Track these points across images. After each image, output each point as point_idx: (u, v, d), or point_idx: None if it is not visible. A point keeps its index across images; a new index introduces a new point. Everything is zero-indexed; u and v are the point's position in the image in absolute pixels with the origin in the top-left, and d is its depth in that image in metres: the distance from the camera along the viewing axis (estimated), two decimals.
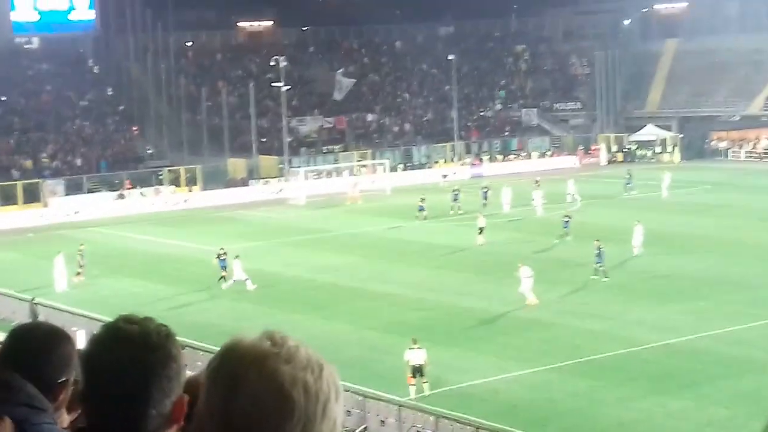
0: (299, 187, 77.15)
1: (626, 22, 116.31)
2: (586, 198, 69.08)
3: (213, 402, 2.16)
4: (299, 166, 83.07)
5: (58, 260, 47.15)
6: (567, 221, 54.25)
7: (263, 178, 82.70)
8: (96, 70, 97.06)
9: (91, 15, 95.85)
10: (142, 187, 78.34)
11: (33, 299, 41.43)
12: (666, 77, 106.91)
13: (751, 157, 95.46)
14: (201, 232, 62.58)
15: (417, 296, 43.24)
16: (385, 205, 71.98)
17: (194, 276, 48.87)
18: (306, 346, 2.20)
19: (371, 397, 30.36)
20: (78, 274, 48.47)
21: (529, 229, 58.61)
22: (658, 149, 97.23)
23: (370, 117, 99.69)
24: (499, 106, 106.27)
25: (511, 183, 70.60)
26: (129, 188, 77.80)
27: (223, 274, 46.12)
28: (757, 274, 45.11)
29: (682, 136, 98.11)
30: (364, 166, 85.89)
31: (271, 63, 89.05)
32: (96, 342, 2.73)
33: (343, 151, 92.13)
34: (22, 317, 37.33)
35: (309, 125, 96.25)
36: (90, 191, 76.88)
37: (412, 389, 30.99)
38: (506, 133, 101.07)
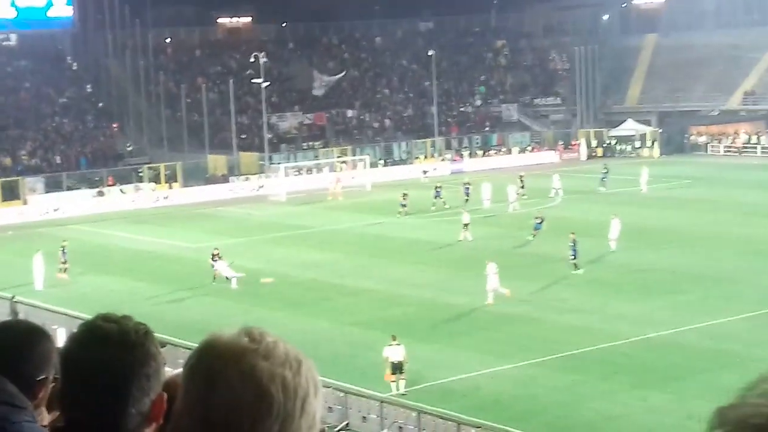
0: (279, 184, 77.06)
1: (605, 17, 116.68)
2: (566, 193, 69.21)
3: (191, 399, 2.14)
4: (279, 163, 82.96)
5: (37, 258, 46.98)
6: (539, 223, 53.19)
7: (243, 175, 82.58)
8: (75, 67, 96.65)
9: (69, 12, 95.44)
10: (121, 184, 78.11)
11: (13, 297, 41.26)
12: (645, 72, 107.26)
13: (730, 151, 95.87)
14: (181, 229, 62.46)
15: (398, 292, 43.26)
16: (365, 201, 71.99)
17: (174, 273, 48.78)
18: (284, 341, 2.18)
19: (353, 393, 30.39)
20: (62, 270, 48.41)
21: (509, 224, 58.69)
22: (637, 144, 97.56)
23: (350, 113, 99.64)
24: (479, 102, 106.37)
25: (492, 178, 70.64)
26: (111, 185, 77.55)
27: (216, 274, 46.16)
28: (736, 268, 45.31)
29: (661, 131, 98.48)
30: (344, 162, 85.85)
31: (251, 59, 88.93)
32: (75, 340, 2.71)
33: (323, 147, 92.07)
34: (2, 315, 37.15)
35: (289, 121, 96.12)
36: (69, 189, 76.60)
37: (393, 385, 31.00)
38: (486, 129, 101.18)
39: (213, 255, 46.72)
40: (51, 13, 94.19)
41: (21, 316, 36.22)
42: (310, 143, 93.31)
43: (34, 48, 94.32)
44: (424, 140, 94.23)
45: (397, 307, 40.69)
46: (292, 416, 2.08)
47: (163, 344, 2.75)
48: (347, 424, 29.80)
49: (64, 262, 48.63)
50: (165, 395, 2.63)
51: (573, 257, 45.67)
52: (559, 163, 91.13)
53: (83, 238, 59.77)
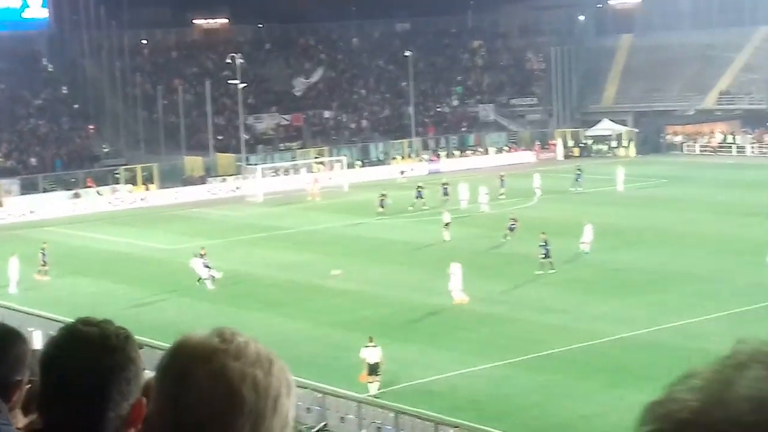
0: (256, 185, 76.94)
1: (581, 17, 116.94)
2: (543, 193, 69.40)
3: (162, 400, 2.15)
4: (256, 164, 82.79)
5: (13, 261, 46.76)
6: (513, 225, 52.98)
7: (220, 176, 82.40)
8: (50, 68, 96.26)
9: (44, 13, 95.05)
10: (98, 185, 77.79)
11: None
12: (621, 72, 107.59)
13: (705, 151, 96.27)
14: (158, 230, 62.26)
15: (376, 293, 43.27)
16: (342, 201, 71.94)
17: (152, 275, 48.61)
18: (256, 341, 2.17)
19: (331, 394, 30.39)
20: (42, 273, 48.36)
21: (486, 224, 58.76)
22: (614, 144, 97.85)
23: (327, 114, 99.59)
24: (455, 102, 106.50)
25: (469, 179, 70.72)
26: (90, 186, 77.23)
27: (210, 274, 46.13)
28: (712, 267, 45.54)
29: (637, 130, 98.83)
30: (321, 163, 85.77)
31: (227, 60, 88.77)
32: (54, 344, 2.72)
33: (301, 148, 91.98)
34: None
35: (266, 122, 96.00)
36: (45, 191, 76.26)
37: (371, 386, 31.02)
38: (463, 129, 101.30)
39: (200, 254, 46.72)
40: (26, 15, 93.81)
41: None
42: (287, 144, 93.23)
43: (9, 49, 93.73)
44: (401, 141, 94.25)
45: (374, 308, 40.69)
46: (264, 416, 2.08)
47: (141, 346, 2.78)
48: (325, 424, 29.81)
49: (44, 264, 48.51)
50: (144, 400, 2.64)
51: (544, 257, 45.74)
52: (535, 163, 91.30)
53: (59, 240, 59.48)
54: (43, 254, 48.80)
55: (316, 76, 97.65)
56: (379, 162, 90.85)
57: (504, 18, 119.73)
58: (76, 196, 75.39)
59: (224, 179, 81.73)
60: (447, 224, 54.40)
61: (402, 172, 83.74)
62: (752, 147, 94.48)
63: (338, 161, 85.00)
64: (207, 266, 46.12)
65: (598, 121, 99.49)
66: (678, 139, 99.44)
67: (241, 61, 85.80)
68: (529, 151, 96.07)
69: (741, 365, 1.46)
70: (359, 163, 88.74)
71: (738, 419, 1.41)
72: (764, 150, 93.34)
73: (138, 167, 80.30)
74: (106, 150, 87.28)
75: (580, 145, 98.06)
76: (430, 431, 27.64)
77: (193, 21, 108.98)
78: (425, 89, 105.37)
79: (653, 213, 60.92)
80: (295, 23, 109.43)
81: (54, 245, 51.98)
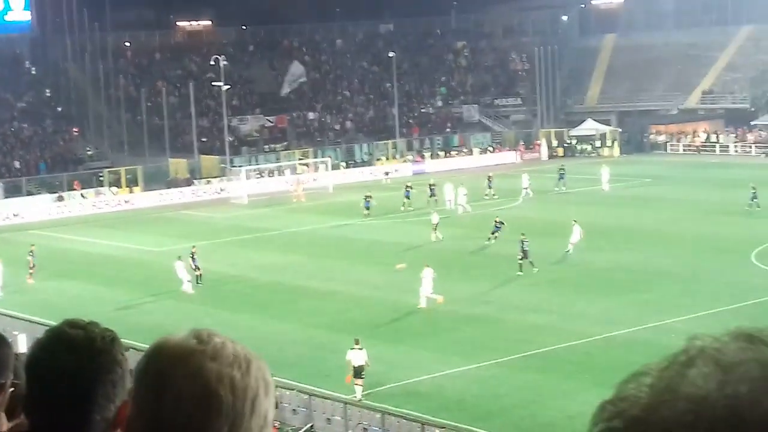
0: (241, 187, 76.87)
1: (565, 18, 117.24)
2: (521, 193, 69.57)
3: (141, 402, 2.13)
4: (241, 166, 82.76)
5: None
6: (499, 227, 52.28)
7: (205, 178, 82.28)
8: (33, 71, 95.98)
9: (27, 16, 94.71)
10: (82, 188, 77.60)
11: None
12: (605, 72, 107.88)
13: (689, 150, 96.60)
14: (143, 233, 62.12)
15: (362, 294, 43.27)
16: (327, 203, 71.91)
17: (137, 277, 48.52)
18: (234, 342, 2.14)
19: (317, 396, 30.38)
20: (31, 275, 48.29)
21: (470, 225, 58.81)
22: (597, 144, 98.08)
23: (311, 115, 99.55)
24: (440, 103, 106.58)
25: (454, 179, 70.71)
26: (77, 189, 77.05)
27: (197, 273, 46.07)
28: (696, 266, 45.69)
29: (621, 130, 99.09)
30: (306, 164, 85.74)
31: (211, 62, 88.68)
32: (40, 347, 2.71)
33: (285, 149, 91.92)
34: None
35: (250, 124, 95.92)
36: (29, 193, 76.04)
37: (357, 389, 30.99)
38: (447, 130, 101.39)
39: (191, 253, 46.72)
40: (9, 18, 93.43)
41: None
42: (272, 146, 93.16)
43: None
44: (385, 142, 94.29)
45: (360, 309, 40.70)
46: (242, 417, 2.06)
47: (127, 349, 2.76)
48: (312, 426, 29.79)
49: (32, 266, 48.55)
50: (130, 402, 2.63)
51: (522, 257, 45.74)
52: (520, 163, 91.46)
53: (44, 243, 59.23)
54: (32, 256, 48.82)
55: (296, 71, 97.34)
56: (364, 163, 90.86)
57: (488, 18, 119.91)
58: (60, 199, 75.16)
59: (209, 181, 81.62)
60: (436, 225, 54.43)
61: (387, 174, 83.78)
62: (735, 146, 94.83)
63: (323, 162, 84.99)
64: (196, 266, 46.17)
65: (582, 121, 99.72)
66: (661, 138, 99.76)
67: (225, 62, 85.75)
68: (513, 151, 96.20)
69: (687, 362, 1.47)
70: (344, 164, 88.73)
71: (680, 418, 1.42)
72: (747, 149, 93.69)
73: (122, 170, 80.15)
74: (90, 153, 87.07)
75: (564, 145, 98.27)
76: None
77: (177, 23, 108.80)
78: (409, 90, 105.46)
79: (637, 212, 61.06)
80: (279, 25, 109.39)
81: (39, 248, 51.81)
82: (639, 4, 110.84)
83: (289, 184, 77.61)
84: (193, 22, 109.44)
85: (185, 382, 2.07)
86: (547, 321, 37.78)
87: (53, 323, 2.83)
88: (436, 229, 54.32)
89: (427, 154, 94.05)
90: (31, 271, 48.58)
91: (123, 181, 79.23)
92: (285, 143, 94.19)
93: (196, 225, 64.95)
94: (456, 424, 27.74)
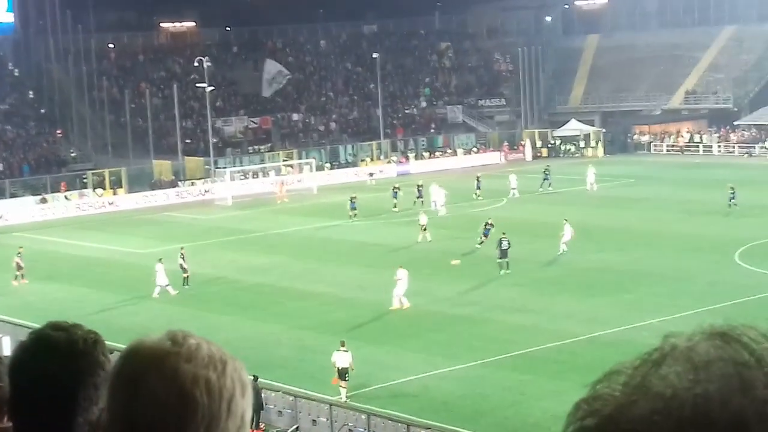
0: (226, 188, 76.77)
1: (548, 18, 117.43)
2: (509, 194, 69.67)
3: (115, 406, 2.11)
4: (225, 167, 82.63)
5: None
6: (489, 229, 51.40)
7: (189, 180, 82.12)
8: (16, 73, 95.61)
9: (9, 17, 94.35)
10: (66, 190, 77.36)
11: None
12: (588, 73, 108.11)
13: (672, 150, 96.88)
14: (127, 235, 61.96)
15: (347, 295, 43.25)
16: (312, 204, 71.85)
17: (122, 279, 48.40)
18: (210, 342, 2.12)
19: (303, 397, 30.37)
20: (20, 277, 48.35)
21: (456, 225, 58.84)
22: (581, 144, 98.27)
23: (295, 116, 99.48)
24: (424, 104, 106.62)
25: (439, 180, 70.70)
26: (64, 190, 76.81)
27: (185, 275, 46.06)
28: (679, 266, 45.81)
29: (605, 130, 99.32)
30: (290, 165, 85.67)
31: (195, 64, 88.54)
32: (23, 349, 2.70)
33: (269, 151, 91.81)
34: None
35: (234, 126, 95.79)
36: (13, 196, 75.78)
37: (343, 391, 30.98)
38: (432, 131, 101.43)
39: (181, 254, 46.68)
40: None
41: None
42: (256, 147, 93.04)
43: None
44: (369, 143, 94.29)
45: (345, 310, 40.68)
46: (218, 418, 2.05)
47: (111, 351, 2.75)
48: (297, 427, 29.78)
49: (21, 268, 48.52)
50: None
51: (500, 257, 45.71)
52: (504, 164, 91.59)
53: (28, 245, 59.01)
54: (21, 258, 48.87)
55: (272, 69, 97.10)
56: (348, 164, 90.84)
57: (471, 19, 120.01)
58: (43, 201, 74.92)
59: (193, 183, 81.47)
60: (424, 226, 54.42)
61: (371, 174, 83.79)
62: (719, 146, 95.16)
63: (307, 164, 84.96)
64: (184, 267, 46.17)
65: (566, 122, 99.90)
66: (645, 138, 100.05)
67: (209, 64, 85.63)
68: (497, 152, 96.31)
69: (659, 361, 1.46)
70: (328, 165, 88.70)
71: (649, 417, 1.41)
72: (730, 149, 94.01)
73: (106, 171, 79.96)
74: (73, 154, 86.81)
75: (549, 145, 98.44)
76: None
77: (160, 24, 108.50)
78: (393, 91, 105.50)
79: (621, 213, 61.22)
80: (263, 26, 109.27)
81: (23, 251, 51.60)
82: (622, 5, 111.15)
83: (273, 185, 77.59)
84: (177, 24, 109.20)
85: (160, 385, 2.05)
86: (532, 321, 37.83)
87: (38, 326, 2.82)
88: (425, 230, 54.30)
89: (411, 155, 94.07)
90: (18, 273, 48.52)
91: (107, 182, 79.03)
92: (269, 144, 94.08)
93: (180, 227, 64.82)
94: (442, 425, 27.74)
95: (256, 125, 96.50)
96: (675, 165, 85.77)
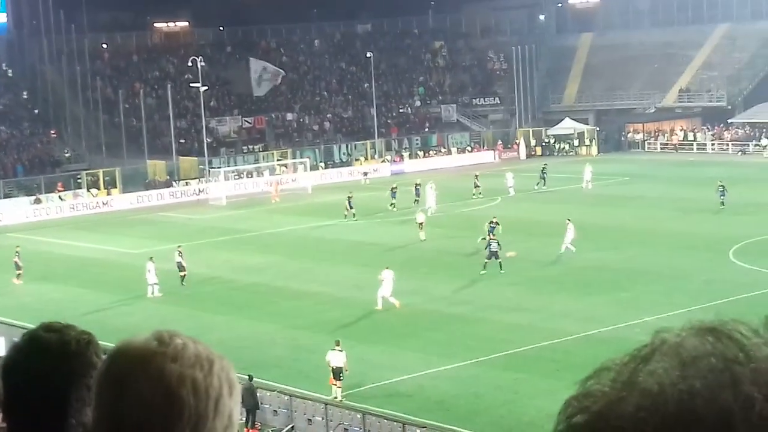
0: (220, 188, 76.73)
1: (542, 17, 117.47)
2: (506, 192, 69.69)
3: (102, 406, 2.10)
4: (219, 167, 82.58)
5: None
6: (493, 227, 50.56)
7: (183, 180, 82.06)
8: (10, 73, 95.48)
9: (2, 18, 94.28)
10: (62, 190, 77.28)
11: None
12: (582, 71, 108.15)
13: (666, 148, 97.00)
14: (121, 235, 61.89)
15: (342, 294, 43.24)
16: (306, 203, 71.83)
17: (116, 279, 48.35)
18: (197, 342, 2.11)
19: (298, 396, 30.36)
20: (18, 276, 48.48)
21: (451, 224, 58.85)
22: (575, 142, 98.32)
23: (289, 116, 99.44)
24: (418, 103, 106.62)
25: (434, 179, 70.68)
26: (61, 190, 76.74)
27: (182, 273, 46.07)
28: (674, 264, 45.85)
29: (598, 129, 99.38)
30: (284, 165, 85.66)
31: (189, 63, 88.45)
32: (16, 350, 2.70)
33: (263, 150, 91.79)
34: None
35: (228, 125, 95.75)
36: (7, 196, 75.70)
37: (338, 390, 30.96)
38: (426, 130, 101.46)
39: (179, 253, 46.66)
40: None
41: None
42: (250, 147, 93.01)
43: None
44: (364, 142, 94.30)
45: (340, 309, 40.67)
46: (205, 418, 2.04)
47: (104, 351, 2.74)
48: (292, 427, 29.77)
49: (20, 267, 48.60)
50: None
51: (488, 257, 45.67)
52: (498, 162, 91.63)
53: (23, 246, 58.93)
54: (19, 257, 49.06)
55: (257, 68, 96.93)
56: (343, 163, 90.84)
57: (465, 18, 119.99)
58: (37, 201, 74.83)
59: (187, 183, 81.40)
60: (421, 224, 54.48)
61: (365, 174, 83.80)
62: (712, 144, 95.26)
63: (301, 163, 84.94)
64: (181, 265, 46.21)
65: (560, 120, 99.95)
66: (639, 137, 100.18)
67: (203, 64, 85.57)
68: (491, 151, 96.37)
69: (647, 357, 1.45)
70: (322, 164, 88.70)
71: (636, 413, 1.41)
72: (724, 147, 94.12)
73: (100, 172, 79.89)
74: (67, 155, 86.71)
75: (543, 144, 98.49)
76: None
77: (154, 24, 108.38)
78: (388, 90, 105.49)
79: (616, 211, 61.26)
80: (256, 25, 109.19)
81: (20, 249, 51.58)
82: (616, 3, 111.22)
83: (269, 185, 77.57)
84: (170, 24, 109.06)
85: (146, 385, 2.03)
86: (526, 320, 37.84)
87: (32, 327, 2.82)
88: (421, 228, 54.35)
89: (405, 154, 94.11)
90: (18, 272, 48.68)
91: (101, 183, 78.96)
92: (263, 144, 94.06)
93: (175, 227, 64.76)
94: (437, 424, 27.75)
95: (250, 125, 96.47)
96: (669, 163, 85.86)
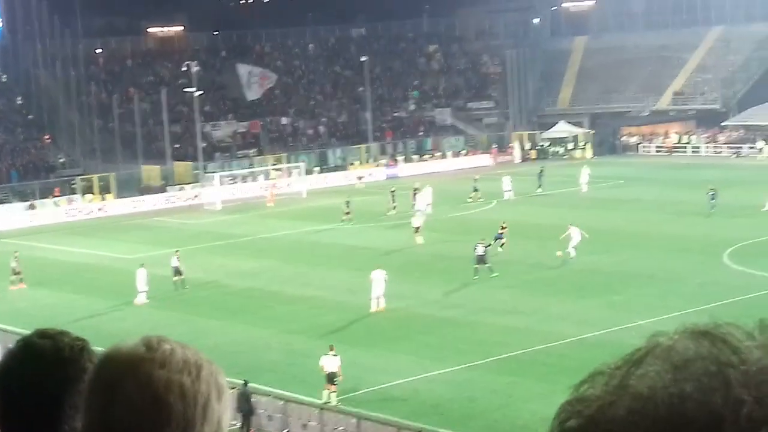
0: (215, 193, 76.66)
1: (536, 20, 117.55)
2: (501, 196, 69.73)
3: (92, 412, 2.11)
4: (214, 172, 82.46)
5: None
6: (501, 234, 50.46)
7: (178, 185, 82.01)
8: (4, 78, 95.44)
9: None
10: (55, 196, 77.21)
11: None
12: (576, 74, 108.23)
13: (660, 151, 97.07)
14: (116, 240, 61.86)
15: (336, 299, 43.24)
16: (301, 208, 71.82)
17: (111, 285, 48.29)
18: (186, 347, 2.10)
19: (293, 401, 30.35)
20: (16, 281, 48.52)
21: (446, 229, 58.85)
22: (570, 146, 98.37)
23: (284, 120, 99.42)
24: (412, 107, 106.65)
25: (430, 183, 70.68)
26: (57, 195, 76.68)
27: (181, 277, 46.18)
28: (669, 267, 45.89)
29: (593, 132, 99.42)
30: (279, 169, 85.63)
31: (183, 68, 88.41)
32: (9, 357, 2.71)
33: (258, 155, 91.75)
34: None
35: (223, 130, 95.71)
36: (1, 202, 75.62)
37: (333, 395, 30.96)
38: (421, 134, 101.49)
39: (175, 256, 46.70)
40: None
41: None
42: (245, 151, 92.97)
43: None
44: (358, 146, 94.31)
45: (335, 314, 40.66)
46: (194, 424, 2.04)
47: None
48: (288, 431, 29.76)
49: (18, 272, 48.52)
50: None
51: (477, 261, 45.62)
52: (493, 166, 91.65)
53: (17, 251, 58.91)
54: (17, 262, 48.98)
55: (243, 72, 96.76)
56: (338, 168, 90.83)
57: (459, 22, 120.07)
58: (32, 207, 74.75)
59: (182, 188, 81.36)
60: (417, 228, 54.48)
61: (360, 178, 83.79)
62: (707, 147, 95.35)
63: (296, 168, 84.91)
64: (179, 270, 46.29)
65: (555, 124, 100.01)
66: (633, 140, 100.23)
67: (197, 68, 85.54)
68: (486, 154, 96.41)
69: (640, 360, 1.45)
70: (317, 169, 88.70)
71: (627, 417, 1.40)
72: (719, 150, 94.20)
73: (95, 177, 79.79)
74: (62, 160, 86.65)
75: (537, 147, 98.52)
76: None
77: (148, 29, 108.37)
78: (382, 94, 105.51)
79: (611, 214, 61.29)
80: (251, 30, 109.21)
81: (11, 257, 51.51)
82: (610, 7, 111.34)
83: (265, 190, 77.54)
84: (165, 28, 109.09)
85: (134, 391, 2.04)
86: (521, 323, 37.87)
87: (27, 332, 2.84)
88: (417, 233, 54.39)
89: (400, 158, 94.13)
90: (17, 277, 48.78)
91: (96, 188, 78.86)
92: (258, 149, 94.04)
93: (169, 232, 64.74)
94: (432, 428, 27.75)
95: (244, 129, 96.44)
96: (663, 166, 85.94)
